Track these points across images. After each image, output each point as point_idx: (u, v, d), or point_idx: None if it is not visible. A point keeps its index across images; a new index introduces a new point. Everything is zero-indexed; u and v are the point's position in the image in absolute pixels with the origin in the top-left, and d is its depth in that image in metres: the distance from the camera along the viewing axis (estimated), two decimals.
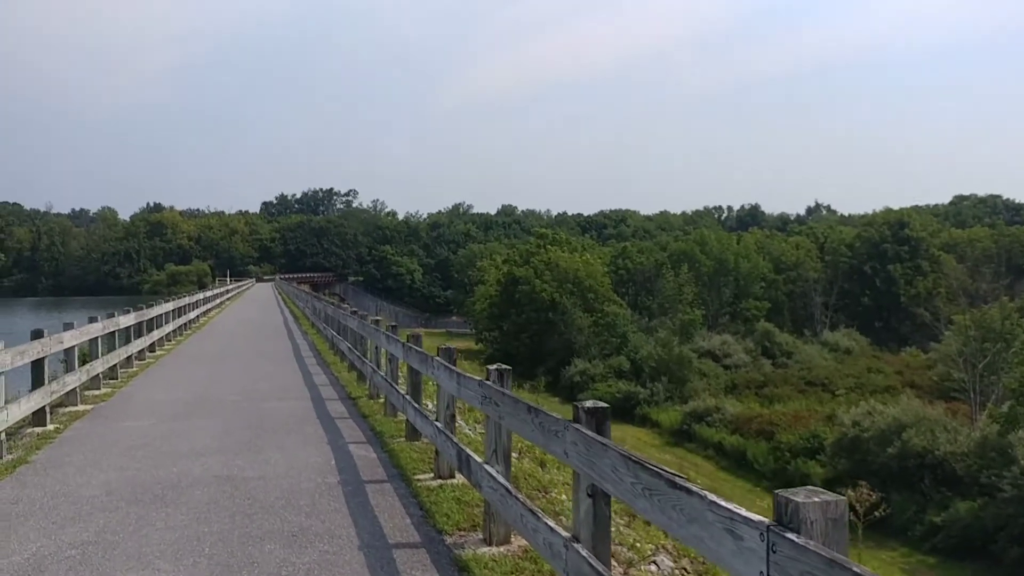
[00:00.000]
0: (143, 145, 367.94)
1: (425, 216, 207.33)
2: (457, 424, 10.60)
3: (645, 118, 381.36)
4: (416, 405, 11.53)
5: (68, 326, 15.96)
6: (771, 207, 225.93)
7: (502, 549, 7.47)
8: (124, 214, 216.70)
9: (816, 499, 3.10)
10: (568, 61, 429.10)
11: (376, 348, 16.52)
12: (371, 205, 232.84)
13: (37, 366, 13.48)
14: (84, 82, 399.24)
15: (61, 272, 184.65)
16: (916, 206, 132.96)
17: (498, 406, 6.99)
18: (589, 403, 5.28)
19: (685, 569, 9.21)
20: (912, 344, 77.17)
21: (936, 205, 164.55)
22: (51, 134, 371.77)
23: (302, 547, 7.54)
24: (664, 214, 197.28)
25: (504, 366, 7.53)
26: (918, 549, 33.03)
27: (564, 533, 5.44)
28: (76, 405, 15.70)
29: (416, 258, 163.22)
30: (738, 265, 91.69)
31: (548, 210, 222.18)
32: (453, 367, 9.13)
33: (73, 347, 15.94)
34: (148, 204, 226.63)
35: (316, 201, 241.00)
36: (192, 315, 39.09)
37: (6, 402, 11.72)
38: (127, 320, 21.95)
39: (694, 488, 3.70)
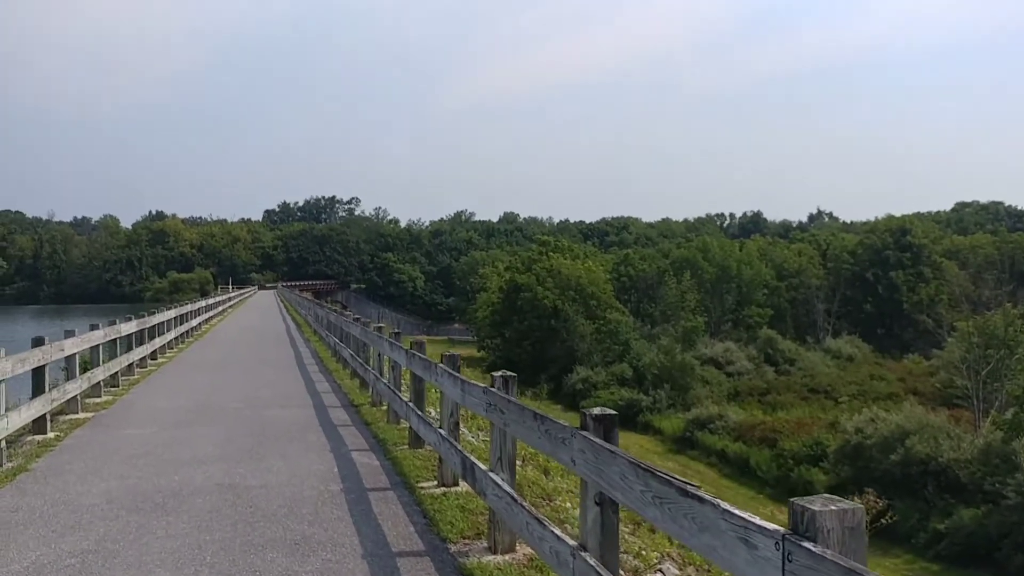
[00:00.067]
0: (145, 153, 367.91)
1: (427, 223, 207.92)
2: (460, 431, 10.53)
3: (646, 124, 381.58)
4: (419, 412, 11.47)
5: (69, 333, 15.89)
6: (773, 214, 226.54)
7: (507, 557, 7.39)
8: (126, 222, 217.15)
9: (833, 507, 3.04)
10: (569, 65, 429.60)
11: (379, 355, 16.47)
12: (373, 213, 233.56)
13: (38, 373, 13.42)
14: (85, 91, 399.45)
15: (63, 280, 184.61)
16: (918, 213, 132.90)
17: (503, 413, 6.92)
18: (597, 410, 5.20)
19: None
20: (914, 351, 77.14)
21: (938, 212, 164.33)
22: (53, 142, 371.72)
23: (305, 556, 7.47)
24: (666, 221, 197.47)
25: (509, 373, 7.48)
26: (922, 556, 32.91)
27: (571, 542, 5.36)
28: (77, 413, 15.63)
29: (418, 265, 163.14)
30: (741, 272, 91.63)
31: (550, 217, 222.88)
32: (457, 374, 9.08)
33: (74, 355, 15.87)
34: (150, 212, 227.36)
35: (318, 209, 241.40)
36: (194, 323, 39.03)
37: (6, 410, 11.66)
38: (128, 327, 21.88)
39: (706, 496, 3.63)
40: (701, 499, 3.64)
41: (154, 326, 26.26)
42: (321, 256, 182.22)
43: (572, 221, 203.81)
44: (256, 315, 61.15)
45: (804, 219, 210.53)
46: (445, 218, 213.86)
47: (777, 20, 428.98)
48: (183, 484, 10.14)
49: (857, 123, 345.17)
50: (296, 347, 32.20)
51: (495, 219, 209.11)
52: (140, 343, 23.73)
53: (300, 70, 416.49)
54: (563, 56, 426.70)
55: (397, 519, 8.66)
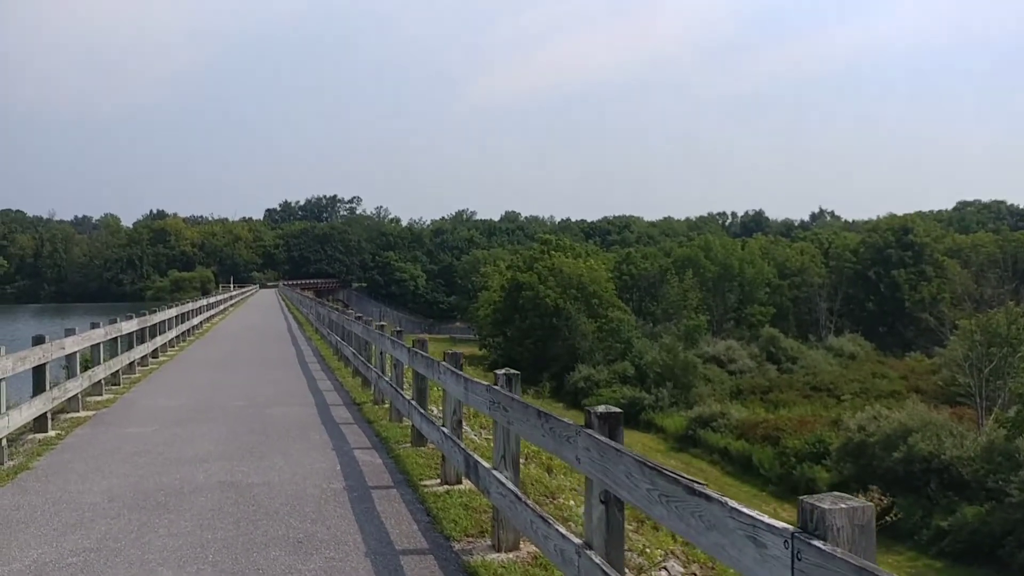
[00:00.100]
0: (146, 152, 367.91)
1: (428, 222, 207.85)
2: (463, 429, 10.50)
3: (648, 123, 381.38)
4: (422, 410, 11.44)
5: (70, 332, 15.86)
6: (775, 213, 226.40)
7: (511, 555, 7.36)
8: (127, 221, 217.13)
9: (843, 505, 3.00)
10: (571, 66, 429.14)
11: (381, 353, 16.43)
12: (375, 212, 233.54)
13: (38, 372, 13.41)
14: (86, 89, 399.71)
15: (64, 279, 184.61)
16: (920, 212, 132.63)
17: (507, 411, 6.88)
18: (602, 408, 5.15)
19: (695, 575, 9.10)
20: (916, 349, 77.10)
21: (940, 211, 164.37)
22: (54, 141, 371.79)
23: (308, 554, 7.44)
24: (668, 220, 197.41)
25: (512, 371, 7.43)
26: (925, 553, 32.91)
27: (576, 540, 5.33)
28: (78, 411, 15.60)
29: (420, 264, 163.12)
30: (743, 271, 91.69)
31: (552, 216, 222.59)
32: (460, 372, 9.04)
33: (75, 353, 15.85)
34: (151, 211, 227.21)
35: (320, 208, 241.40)
36: (195, 321, 39.01)
37: (7, 408, 11.65)
38: (130, 326, 21.86)
39: (714, 494, 3.59)
40: (708, 497, 3.60)
41: (155, 324, 26.24)
42: (322, 255, 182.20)
43: (574, 220, 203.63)
44: (257, 314, 61.14)
45: (806, 218, 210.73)
46: (446, 217, 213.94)
47: (780, 22, 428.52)
48: (185, 482, 10.11)
49: (859, 122, 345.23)
50: (298, 345, 32.18)
51: (496, 218, 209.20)
52: (141, 341, 23.72)
53: (301, 70, 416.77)
54: (565, 57, 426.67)
55: (400, 517, 8.62)
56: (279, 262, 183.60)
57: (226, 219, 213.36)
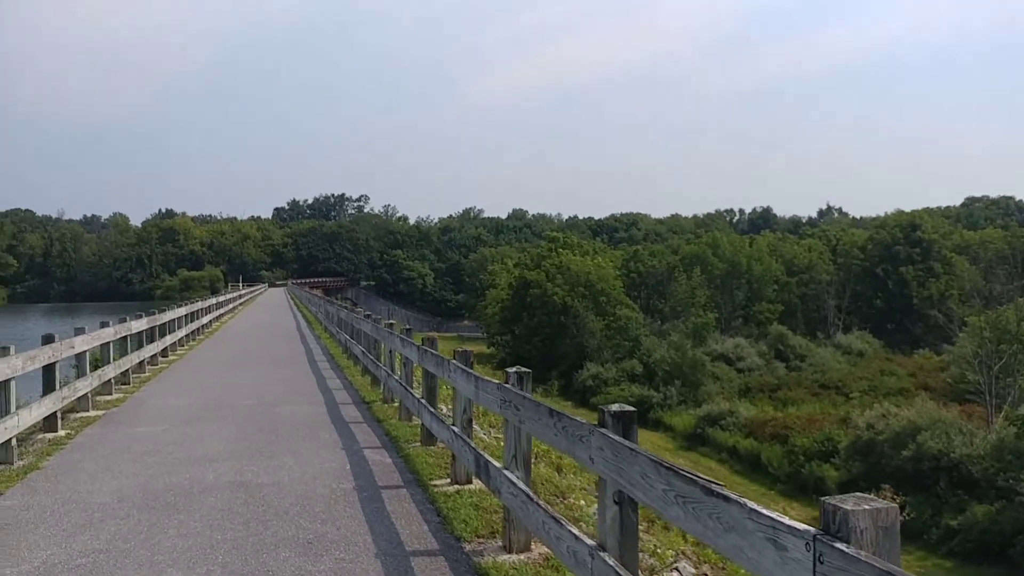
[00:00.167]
0: (155, 151, 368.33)
1: (436, 220, 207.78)
2: (473, 428, 10.45)
3: (655, 120, 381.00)
4: (432, 409, 11.40)
5: (80, 331, 15.86)
6: (783, 210, 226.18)
7: (522, 557, 7.30)
8: (136, 220, 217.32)
9: (866, 506, 2.95)
10: (578, 63, 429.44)
11: (390, 352, 16.39)
12: (382, 210, 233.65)
13: (48, 371, 13.40)
14: (94, 89, 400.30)
15: (73, 278, 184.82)
16: (928, 208, 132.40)
17: (518, 410, 6.83)
18: (615, 407, 5.10)
19: (707, 575, 9.06)
20: (925, 346, 76.96)
21: (948, 207, 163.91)
22: (62, 141, 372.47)
23: (318, 555, 7.40)
24: (675, 217, 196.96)
25: (524, 369, 7.37)
26: (934, 552, 32.80)
27: (589, 541, 5.27)
28: (88, 410, 15.59)
29: (427, 262, 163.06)
30: (751, 268, 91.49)
31: (559, 214, 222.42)
32: (471, 370, 8.98)
33: (85, 352, 15.84)
34: (160, 210, 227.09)
35: (328, 206, 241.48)
36: (205, 320, 39.02)
37: (17, 407, 11.63)
38: (139, 325, 21.86)
39: (732, 495, 3.54)
40: (727, 498, 3.55)
41: (165, 323, 26.27)
42: (331, 253, 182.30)
43: (581, 217, 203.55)
44: (266, 312, 61.15)
45: (814, 214, 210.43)
46: (454, 215, 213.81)
47: (789, 19, 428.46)
48: (194, 482, 10.09)
49: (866, 119, 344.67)
50: (307, 344, 32.17)
51: (504, 216, 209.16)
52: (151, 340, 23.72)
53: (308, 68, 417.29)
54: (573, 54, 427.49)
55: (410, 517, 8.58)
56: (287, 261, 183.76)
57: (235, 218, 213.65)
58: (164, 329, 26.21)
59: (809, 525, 3.10)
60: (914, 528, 33.19)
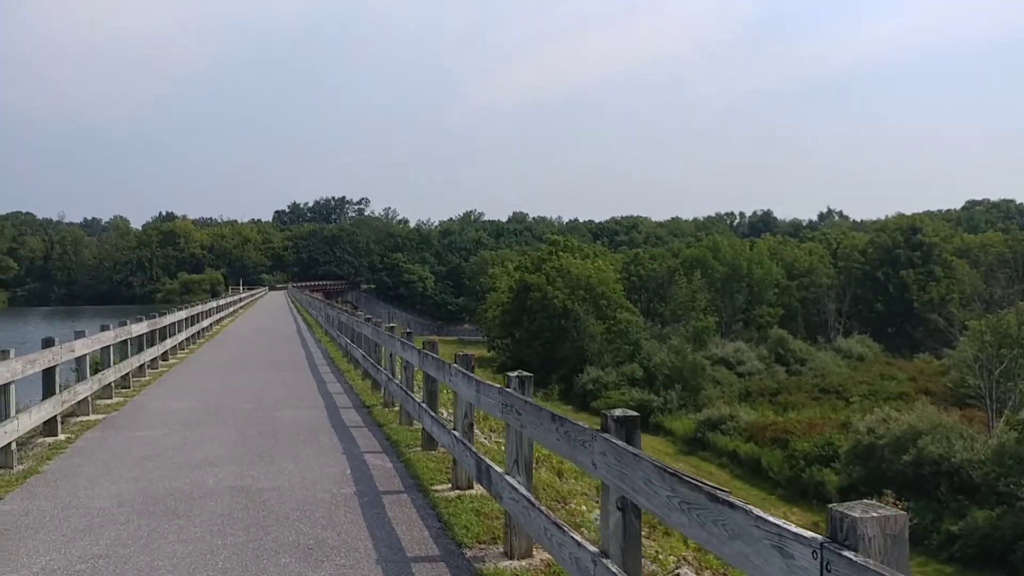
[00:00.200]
0: (155, 154, 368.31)
1: (436, 224, 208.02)
2: (474, 433, 10.41)
3: (656, 123, 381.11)
4: (432, 413, 11.36)
5: (80, 334, 15.80)
6: (783, 213, 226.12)
7: (524, 563, 7.26)
8: (136, 223, 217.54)
9: (874, 514, 2.91)
10: (579, 67, 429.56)
11: (391, 355, 16.37)
12: (383, 213, 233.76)
13: (48, 375, 13.35)
14: (95, 91, 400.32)
15: (73, 281, 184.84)
16: (928, 211, 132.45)
17: (520, 415, 6.78)
18: (618, 412, 5.06)
19: None
20: (925, 350, 77.03)
21: (949, 210, 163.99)
22: (62, 144, 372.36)
23: (318, 560, 7.36)
24: (676, 220, 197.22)
25: (525, 373, 7.34)
26: (935, 558, 32.74)
27: (592, 548, 5.23)
28: (88, 414, 15.56)
29: (428, 265, 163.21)
30: (751, 271, 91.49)
31: (559, 217, 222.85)
32: (472, 374, 8.94)
33: (84, 356, 15.78)
34: (161, 213, 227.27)
35: (328, 209, 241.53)
36: (205, 323, 38.97)
37: (16, 411, 11.59)
38: (140, 328, 21.82)
39: (737, 502, 3.50)
40: (732, 505, 3.51)
41: (165, 327, 26.22)
42: (331, 257, 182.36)
43: (581, 220, 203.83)
44: (267, 316, 61.14)
45: (814, 218, 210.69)
46: (454, 218, 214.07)
47: (789, 24, 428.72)
48: (195, 487, 10.05)
49: (867, 122, 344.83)
50: (307, 348, 32.14)
51: (504, 219, 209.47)
52: (151, 344, 23.68)
53: (310, 71, 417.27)
54: (573, 58, 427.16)
55: (411, 523, 8.54)
56: (288, 264, 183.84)
57: (235, 221, 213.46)
58: (164, 333, 26.16)
59: (811, 530, 3.07)
60: (915, 533, 33.10)
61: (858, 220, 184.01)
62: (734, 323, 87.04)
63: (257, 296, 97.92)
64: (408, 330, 16.83)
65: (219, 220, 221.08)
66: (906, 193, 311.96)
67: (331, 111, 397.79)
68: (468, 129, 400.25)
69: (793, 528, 3.13)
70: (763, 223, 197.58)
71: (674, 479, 4.01)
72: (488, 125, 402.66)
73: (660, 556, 8.93)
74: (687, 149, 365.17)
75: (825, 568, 2.90)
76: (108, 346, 18.08)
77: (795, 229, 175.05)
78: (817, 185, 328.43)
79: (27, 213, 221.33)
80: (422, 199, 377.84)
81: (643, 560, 8.18)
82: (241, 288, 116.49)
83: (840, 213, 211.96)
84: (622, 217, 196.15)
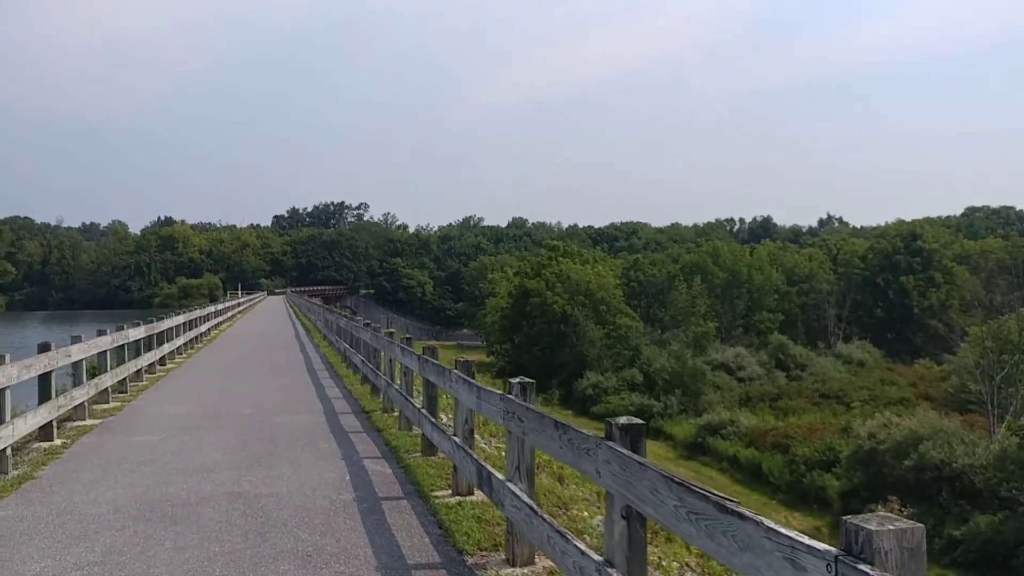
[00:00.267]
0: (154, 159, 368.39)
1: (436, 229, 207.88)
2: (474, 439, 10.32)
3: (655, 128, 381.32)
4: (432, 419, 11.27)
5: (76, 339, 15.73)
6: (783, 219, 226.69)
7: (526, 571, 7.17)
8: (135, 228, 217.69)
9: (891, 527, 2.82)
10: (578, 70, 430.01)
11: (390, 361, 16.28)
12: (382, 218, 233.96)
13: (44, 380, 13.26)
14: (93, 95, 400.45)
15: (71, 286, 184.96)
16: (928, 218, 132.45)
17: (522, 421, 6.69)
18: (623, 419, 4.97)
19: None
20: (925, 356, 76.96)
21: (948, 216, 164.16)
22: (61, 148, 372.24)
23: (317, 567, 7.27)
24: (676, 226, 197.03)
25: (527, 380, 7.24)
26: (937, 563, 32.59)
27: (597, 557, 5.13)
28: (84, 419, 15.46)
29: (427, 271, 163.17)
30: (751, 277, 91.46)
31: (559, 222, 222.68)
32: (472, 380, 8.85)
33: (81, 360, 15.70)
34: (159, 217, 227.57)
35: (327, 214, 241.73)
36: (203, 328, 38.91)
37: (12, 416, 11.50)
38: (137, 333, 21.75)
39: (748, 513, 3.41)
40: (742, 516, 3.42)
41: (163, 331, 26.13)
42: (330, 261, 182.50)
43: (581, 226, 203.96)
44: (265, 320, 61.06)
45: (814, 224, 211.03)
46: (454, 223, 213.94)
47: (789, 24, 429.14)
48: (192, 493, 9.95)
49: (867, 127, 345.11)
50: (306, 352, 32.06)
51: (504, 224, 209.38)
52: (149, 348, 23.60)
53: (310, 71, 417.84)
54: (573, 58, 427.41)
55: (411, 530, 8.44)
56: (287, 269, 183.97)
57: (234, 226, 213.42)
58: (162, 337, 26.07)
59: (814, 535, 2.98)
60: None
61: (858, 226, 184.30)
62: (734, 329, 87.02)
63: (255, 301, 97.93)
64: (407, 335, 16.74)
65: (218, 225, 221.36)
66: (906, 196, 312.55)
67: (331, 111, 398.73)
68: (468, 129, 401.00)
69: (806, 540, 3.04)
70: (763, 229, 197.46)
71: (682, 489, 3.91)
72: (488, 125, 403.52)
73: (663, 563, 8.85)
74: (687, 149, 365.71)
75: None
76: (105, 351, 18.01)
77: (795, 235, 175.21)
78: (817, 188, 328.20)
79: (25, 217, 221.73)
80: (421, 202, 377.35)
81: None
82: (240, 293, 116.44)
83: (840, 219, 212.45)
84: (622, 223, 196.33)
